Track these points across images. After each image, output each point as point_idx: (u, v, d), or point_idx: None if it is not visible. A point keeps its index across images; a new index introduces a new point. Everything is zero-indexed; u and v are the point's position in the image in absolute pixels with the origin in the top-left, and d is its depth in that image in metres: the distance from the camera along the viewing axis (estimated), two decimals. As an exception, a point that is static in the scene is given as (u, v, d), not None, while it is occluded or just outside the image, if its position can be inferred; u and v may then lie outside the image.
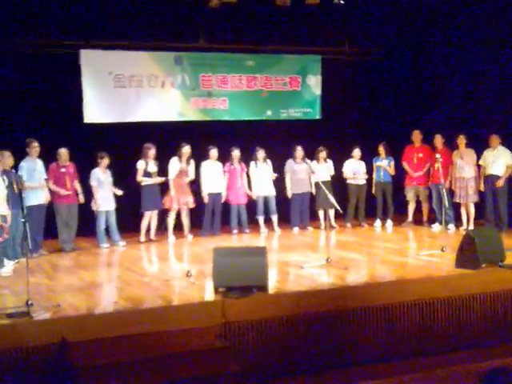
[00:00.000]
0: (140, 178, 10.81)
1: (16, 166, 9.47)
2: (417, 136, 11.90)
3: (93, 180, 10.48)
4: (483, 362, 6.58)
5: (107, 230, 10.60)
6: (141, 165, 10.82)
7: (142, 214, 10.87)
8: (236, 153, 11.48)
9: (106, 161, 10.52)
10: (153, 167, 10.88)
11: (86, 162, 10.76)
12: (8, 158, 9.28)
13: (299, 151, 11.58)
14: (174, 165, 10.95)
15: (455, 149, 11.29)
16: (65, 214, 10.19)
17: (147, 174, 10.82)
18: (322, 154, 11.79)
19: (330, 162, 11.89)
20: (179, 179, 10.88)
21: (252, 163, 11.62)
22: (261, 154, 11.55)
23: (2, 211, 8.56)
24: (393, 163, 12.04)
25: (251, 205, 11.69)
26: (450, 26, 12.35)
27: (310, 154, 11.43)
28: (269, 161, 11.69)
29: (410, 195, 11.98)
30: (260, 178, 11.60)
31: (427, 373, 6.64)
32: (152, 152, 10.87)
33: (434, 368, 6.71)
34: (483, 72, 11.89)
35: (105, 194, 10.52)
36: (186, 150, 10.98)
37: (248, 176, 11.66)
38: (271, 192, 11.69)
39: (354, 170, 12.04)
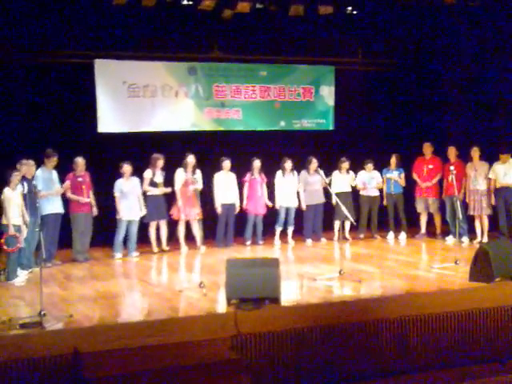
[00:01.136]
0: (146, 187, 10.81)
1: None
2: (427, 148, 11.83)
3: (116, 191, 10.49)
4: (503, 375, 6.54)
5: (125, 239, 10.59)
6: (148, 174, 10.79)
7: (147, 224, 10.86)
8: (257, 163, 11.42)
9: (127, 170, 10.54)
10: (159, 177, 10.86)
11: (100, 171, 10.80)
12: (32, 167, 9.43)
13: (314, 163, 11.49)
14: (180, 175, 10.93)
15: (468, 161, 11.23)
16: (82, 223, 10.18)
17: (153, 184, 10.80)
18: (345, 165, 11.76)
19: (351, 173, 11.87)
20: (185, 189, 10.83)
21: (279, 173, 11.53)
22: (288, 164, 11.49)
23: (16, 221, 8.62)
24: (403, 175, 11.97)
25: (268, 215, 11.62)
26: (464, 37, 12.30)
27: (323, 165, 11.35)
28: (295, 172, 11.62)
29: (420, 207, 11.92)
30: (286, 188, 11.52)
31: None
32: (160, 162, 10.86)
33: (453, 382, 6.67)
34: (497, 83, 11.85)
35: (129, 204, 10.51)
36: (190, 159, 10.92)
37: (268, 186, 11.57)
38: (294, 203, 11.62)
39: (365, 181, 11.99)
